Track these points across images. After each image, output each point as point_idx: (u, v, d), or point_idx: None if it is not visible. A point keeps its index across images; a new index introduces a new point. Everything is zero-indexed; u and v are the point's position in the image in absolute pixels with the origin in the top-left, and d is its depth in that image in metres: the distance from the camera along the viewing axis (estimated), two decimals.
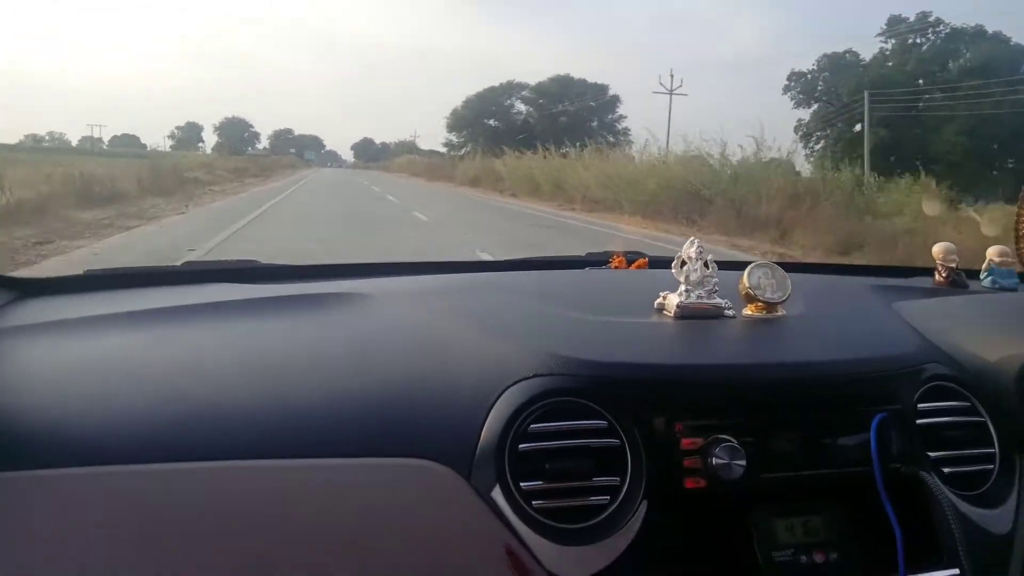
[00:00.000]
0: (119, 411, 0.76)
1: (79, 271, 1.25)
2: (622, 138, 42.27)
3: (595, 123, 47.05)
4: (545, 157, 24.18)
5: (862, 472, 0.79)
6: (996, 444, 0.87)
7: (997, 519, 0.82)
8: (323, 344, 0.95)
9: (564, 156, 23.24)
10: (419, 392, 0.82)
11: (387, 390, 0.82)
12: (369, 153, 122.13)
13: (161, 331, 0.97)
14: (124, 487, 0.69)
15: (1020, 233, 0.58)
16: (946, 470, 0.84)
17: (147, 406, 0.77)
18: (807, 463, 0.80)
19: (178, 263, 1.35)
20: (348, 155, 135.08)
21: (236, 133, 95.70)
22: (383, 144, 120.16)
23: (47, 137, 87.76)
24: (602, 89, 48.15)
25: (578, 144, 23.06)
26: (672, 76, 36.03)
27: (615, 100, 48.64)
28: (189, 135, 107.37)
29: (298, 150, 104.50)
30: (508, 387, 0.80)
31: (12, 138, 57.81)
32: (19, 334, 0.95)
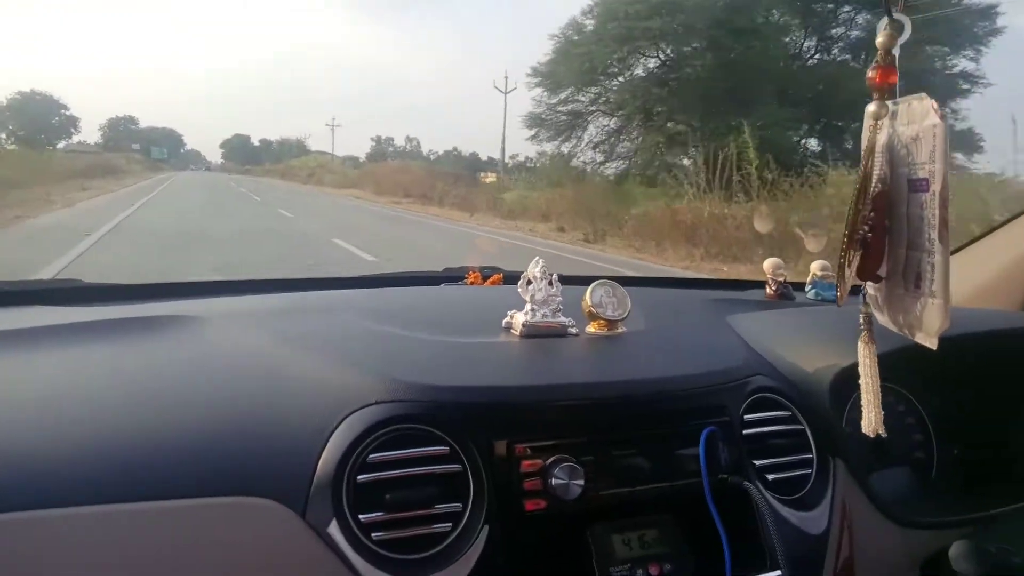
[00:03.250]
0: None
1: None
2: None
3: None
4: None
5: (694, 483, 0.82)
6: (814, 450, 0.93)
7: (813, 521, 0.88)
8: (145, 373, 0.88)
9: None
10: (250, 424, 0.77)
11: (215, 423, 0.76)
12: (244, 154, 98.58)
13: None
14: None
15: (839, 271, 0.63)
16: (770, 477, 0.89)
17: None
18: (643, 478, 0.82)
19: None
20: (216, 155, 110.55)
21: (38, 116, 60.91)
22: (263, 142, 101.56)
23: None
24: None
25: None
26: None
27: None
28: None
29: (144, 146, 79.75)
30: (347, 416, 0.76)
31: None
32: None
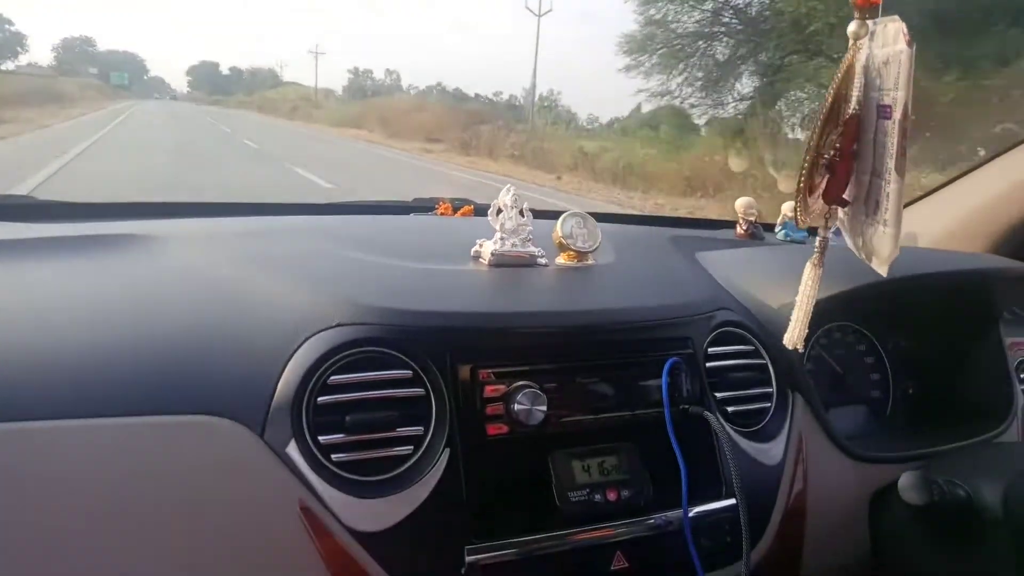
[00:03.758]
0: None
1: None
2: None
3: None
4: None
5: (655, 413, 0.83)
6: (774, 384, 0.95)
7: (769, 452, 0.90)
8: (100, 291, 0.85)
9: None
10: (210, 343, 0.75)
11: (172, 342, 0.75)
12: (213, 83, 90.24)
13: None
14: None
15: (799, 196, 0.62)
16: (730, 409, 0.91)
17: None
18: (606, 406, 0.83)
19: None
20: (182, 84, 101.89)
21: None
22: (233, 71, 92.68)
23: None
24: None
25: None
26: None
27: None
28: None
29: (103, 71, 69.93)
30: (308, 337, 0.76)
31: None
32: None
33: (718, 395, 0.90)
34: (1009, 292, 1.14)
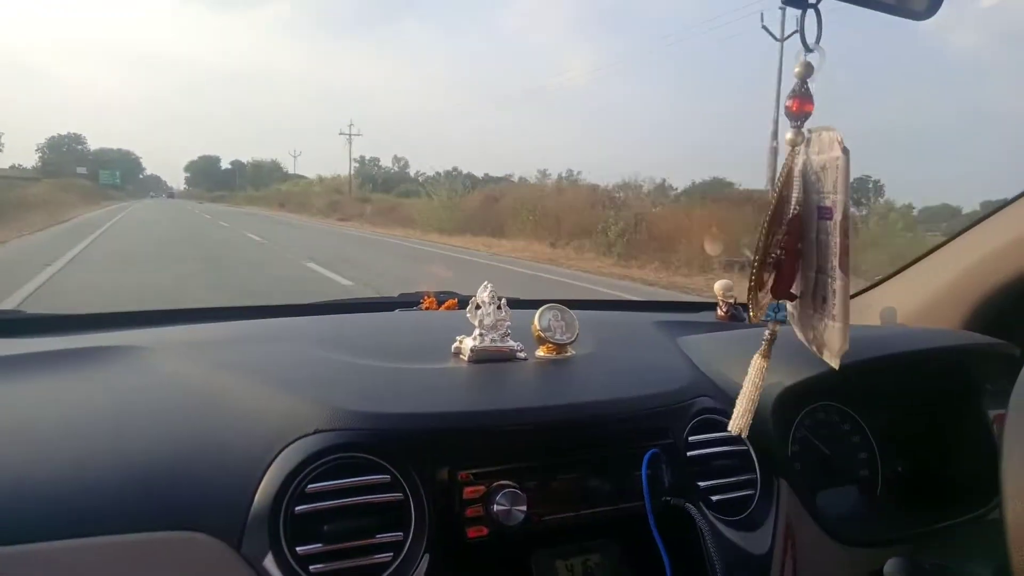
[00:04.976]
0: None
1: None
2: None
3: None
4: None
5: (637, 506, 0.83)
6: (757, 471, 0.94)
7: (757, 540, 0.89)
8: (82, 405, 0.86)
9: None
10: (188, 455, 0.76)
11: (149, 456, 0.75)
12: (213, 178, 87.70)
13: None
14: None
15: (750, 293, 0.65)
16: (714, 498, 0.90)
17: None
18: (587, 501, 0.82)
19: None
20: (179, 180, 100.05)
21: None
22: (235, 164, 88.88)
23: None
24: None
25: None
26: None
27: None
28: None
29: (92, 170, 66.80)
30: (287, 445, 0.76)
31: None
32: None
33: (701, 484, 0.90)
34: (984, 368, 1.15)
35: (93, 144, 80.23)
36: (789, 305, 0.67)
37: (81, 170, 64.46)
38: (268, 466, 0.74)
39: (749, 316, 0.69)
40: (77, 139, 78.24)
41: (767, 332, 0.69)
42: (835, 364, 0.64)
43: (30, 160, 71.26)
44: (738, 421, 0.73)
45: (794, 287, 0.65)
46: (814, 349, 0.67)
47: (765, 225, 0.62)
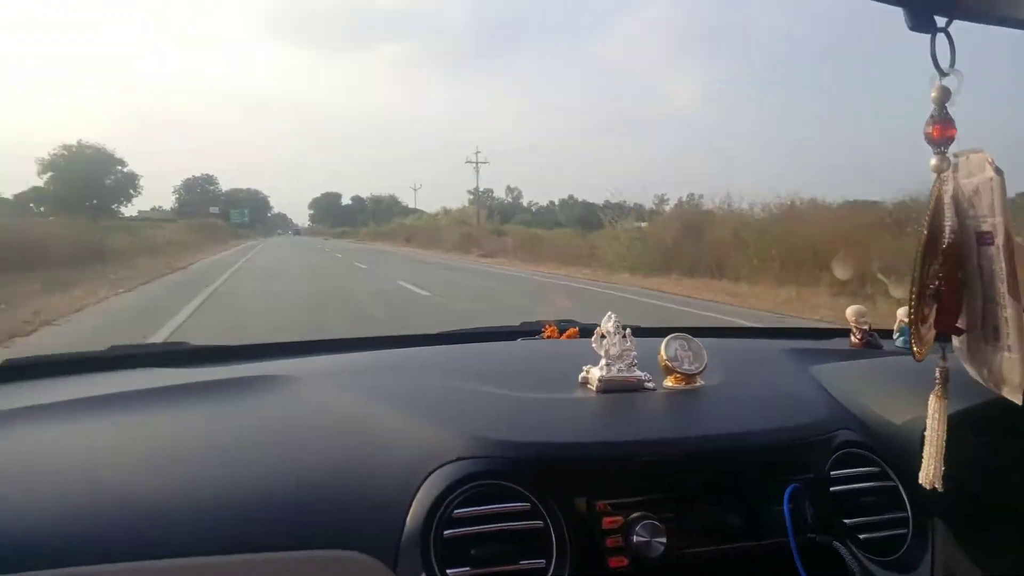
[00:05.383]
0: (35, 513, 0.73)
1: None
2: None
3: None
4: None
5: (781, 543, 0.80)
6: (908, 508, 0.89)
7: None
8: (243, 432, 0.93)
9: None
10: (342, 479, 0.80)
11: (309, 478, 0.81)
12: (335, 214, 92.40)
13: (82, 424, 0.94)
14: None
15: (913, 327, 0.63)
16: (862, 536, 0.86)
17: (65, 506, 0.74)
18: (726, 536, 0.81)
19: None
20: (303, 217, 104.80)
21: (87, 174, 48.83)
22: (355, 200, 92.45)
23: None
24: None
25: None
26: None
27: None
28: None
29: (224, 210, 69.64)
30: (432, 471, 0.79)
31: None
32: None
33: (847, 521, 0.86)
34: None
35: (224, 184, 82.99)
36: (956, 340, 0.64)
37: (213, 210, 67.13)
38: (416, 491, 0.77)
39: (914, 353, 0.65)
40: (209, 180, 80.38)
41: (937, 371, 0.65)
42: (1017, 399, 0.60)
43: (168, 202, 75.52)
44: (929, 472, 0.68)
45: (960, 320, 0.62)
46: (991, 386, 0.63)
47: (919, 257, 0.60)
